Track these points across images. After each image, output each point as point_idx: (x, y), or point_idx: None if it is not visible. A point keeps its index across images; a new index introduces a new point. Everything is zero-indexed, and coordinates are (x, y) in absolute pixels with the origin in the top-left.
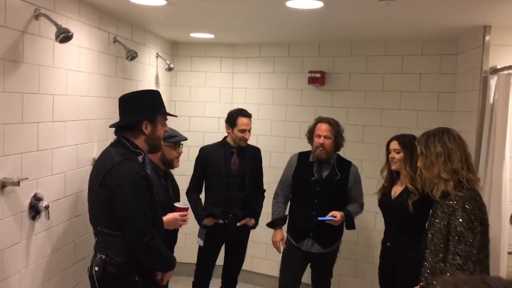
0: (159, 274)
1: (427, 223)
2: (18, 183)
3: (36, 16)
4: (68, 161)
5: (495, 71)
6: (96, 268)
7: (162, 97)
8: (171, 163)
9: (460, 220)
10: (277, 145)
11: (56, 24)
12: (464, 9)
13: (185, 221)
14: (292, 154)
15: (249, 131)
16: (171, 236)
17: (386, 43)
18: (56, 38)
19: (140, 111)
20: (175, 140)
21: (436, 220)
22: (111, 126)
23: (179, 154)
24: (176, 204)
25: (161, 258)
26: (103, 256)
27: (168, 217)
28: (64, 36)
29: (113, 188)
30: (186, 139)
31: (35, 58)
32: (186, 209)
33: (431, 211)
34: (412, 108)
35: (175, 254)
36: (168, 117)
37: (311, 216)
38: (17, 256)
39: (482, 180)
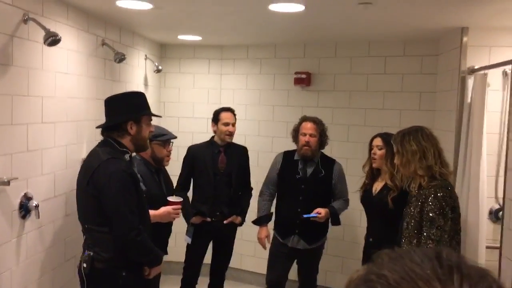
0: (146, 269)
1: (403, 213)
2: (8, 183)
3: (25, 20)
4: (57, 161)
5: (472, 71)
6: (85, 265)
7: (151, 98)
8: (161, 161)
9: (432, 206)
10: (264, 145)
11: (44, 28)
12: (443, 11)
13: (178, 214)
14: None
15: (233, 125)
16: (166, 228)
17: (369, 44)
18: (44, 42)
19: (126, 112)
20: (165, 138)
21: (411, 208)
22: (98, 127)
23: (169, 152)
24: (169, 198)
25: (148, 253)
26: (91, 253)
27: (161, 210)
28: (52, 40)
29: (101, 186)
30: (175, 137)
31: (24, 61)
32: (179, 203)
33: (407, 202)
34: (395, 108)
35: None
36: (158, 117)
37: (297, 213)
38: (7, 254)
39: (460, 176)
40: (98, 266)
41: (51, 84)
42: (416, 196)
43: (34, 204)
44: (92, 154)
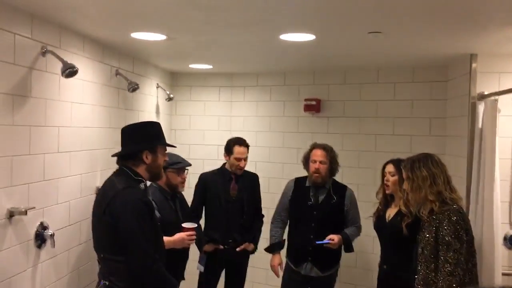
0: None
1: (418, 239)
2: (25, 212)
3: (43, 53)
4: (72, 190)
5: (482, 97)
6: None
7: (163, 126)
8: (175, 188)
9: (447, 230)
10: (275, 171)
11: (62, 60)
12: (451, 39)
13: (192, 240)
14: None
15: (245, 159)
16: (183, 254)
17: (378, 71)
18: (62, 74)
19: (141, 141)
20: (179, 166)
21: (425, 234)
22: (113, 156)
23: (184, 179)
24: (184, 224)
25: (163, 282)
26: (107, 282)
27: (176, 237)
28: (70, 71)
29: (117, 215)
30: (190, 165)
31: (42, 92)
32: (193, 229)
33: (420, 227)
34: (406, 133)
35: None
36: (172, 147)
37: (309, 239)
38: (23, 284)
39: (474, 203)
40: None
41: (67, 114)
42: (428, 221)
43: (50, 233)
44: (107, 183)
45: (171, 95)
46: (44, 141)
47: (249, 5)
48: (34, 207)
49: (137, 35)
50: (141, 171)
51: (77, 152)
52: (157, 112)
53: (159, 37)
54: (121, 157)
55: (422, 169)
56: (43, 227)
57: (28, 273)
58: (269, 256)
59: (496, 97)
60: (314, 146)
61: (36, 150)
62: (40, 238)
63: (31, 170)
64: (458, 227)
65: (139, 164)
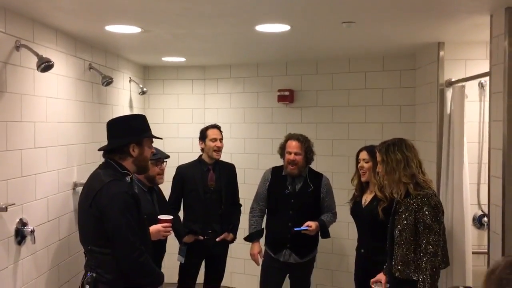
0: None
1: (390, 221)
2: (6, 209)
3: (17, 47)
4: (50, 186)
5: (450, 83)
6: (87, 286)
7: None
8: (153, 179)
9: (428, 214)
10: (250, 162)
11: (37, 55)
12: (420, 28)
13: (168, 232)
14: (265, 170)
15: (221, 140)
16: (159, 247)
17: (349, 61)
18: (37, 68)
19: (128, 134)
20: (157, 157)
21: (402, 217)
22: (100, 149)
23: (162, 170)
24: (159, 217)
25: (150, 274)
26: (94, 274)
27: (151, 229)
28: (45, 66)
29: (103, 207)
30: (168, 156)
31: (17, 87)
32: (169, 221)
33: (392, 211)
34: (377, 121)
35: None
36: (159, 139)
37: (288, 227)
38: (5, 281)
39: (444, 185)
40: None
41: (43, 109)
42: (405, 204)
43: (30, 230)
44: (94, 176)
45: (145, 89)
46: (20, 137)
47: None
48: (14, 204)
49: (112, 28)
50: (128, 164)
51: (54, 147)
52: (131, 106)
53: (134, 29)
54: (107, 150)
55: (396, 153)
56: (22, 223)
57: (9, 271)
58: (246, 245)
59: (463, 83)
60: (289, 137)
61: (13, 146)
62: (20, 235)
63: (9, 166)
64: (437, 211)
65: (126, 157)
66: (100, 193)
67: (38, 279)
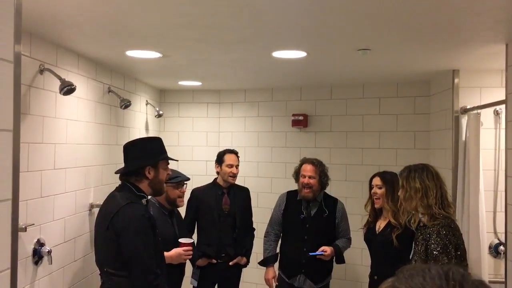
0: None
1: (411, 253)
2: (25, 229)
3: (41, 71)
4: (67, 206)
5: (465, 111)
6: None
7: None
8: (174, 202)
9: (435, 244)
10: (264, 186)
11: (60, 78)
12: (434, 55)
13: (189, 255)
14: (279, 194)
15: (237, 167)
16: (179, 270)
17: (363, 86)
18: (60, 91)
19: (143, 157)
20: (177, 180)
21: (418, 245)
22: (116, 172)
23: (182, 193)
24: (180, 240)
25: None
26: None
27: (172, 252)
28: (68, 89)
29: (120, 230)
30: (188, 179)
31: (40, 110)
32: (189, 244)
33: (415, 239)
34: (391, 147)
35: None
36: (175, 161)
37: (303, 252)
38: None
39: (459, 213)
40: None
41: (63, 131)
42: (421, 234)
43: (47, 250)
44: (110, 199)
45: (161, 112)
46: (41, 158)
47: (243, 24)
48: (33, 224)
49: (132, 53)
50: (144, 186)
51: (72, 168)
52: (147, 128)
53: (154, 54)
54: (123, 173)
55: (416, 180)
56: (40, 243)
57: None
58: (259, 270)
59: (479, 110)
60: (304, 161)
61: (34, 167)
62: (38, 255)
63: (29, 187)
64: (446, 241)
65: (142, 180)
66: (117, 216)
67: None
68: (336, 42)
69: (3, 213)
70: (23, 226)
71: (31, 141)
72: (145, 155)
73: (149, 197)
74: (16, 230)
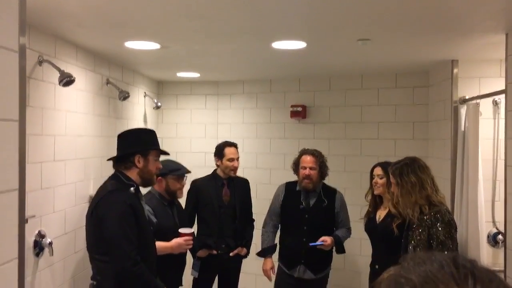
0: None
1: (404, 237)
2: (26, 221)
3: (40, 62)
4: (67, 198)
5: (464, 101)
6: None
7: None
8: (174, 194)
9: (441, 230)
10: (262, 177)
11: (59, 70)
12: (433, 46)
13: (189, 245)
14: (278, 185)
15: (237, 159)
16: (179, 260)
17: (362, 77)
18: (59, 83)
19: (134, 145)
20: (179, 173)
21: (416, 233)
22: (108, 160)
23: (182, 186)
24: (180, 230)
25: (145, 285)
26: (94, 282)
27: (173, 242)
28: (67, 81)
29: (101, 216)
30: (189, 172)
31: (39, 101)
32: (190, 234)
33: (406, 226)
34: (390, 138)
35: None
36: (166, 154)
37: (302, 243)
38: None
39: (458, 203)
40: None
41: (62, 122)
42: (419, 220)
43: (48, 242)
44: (101, 187)
45: (159, 104)
46: (41, 149)
47: (243, 14)
48: (34, 216)
49: (131, 44)
50: (133, 175)
51: (72, 160)
52: (145, 120)
53: (153, 45)
54: (115, 161)
55: (411, 175)
56: (41, 235)
57: (27, 283)
58: (258, 261)
59: (478, 100)
60: (304, 152)
61: (34, 159)
62: (39, 247)
63: (30, 178)
64: (450, 227)
65: (131, 168)
66: (100, 202)
67: None
68: (336, 32)
69: (11, 203)
70: (25, 218)
71: (31, 133)
72: (136, 143)
73: (150, 188)
74: (23, 220)
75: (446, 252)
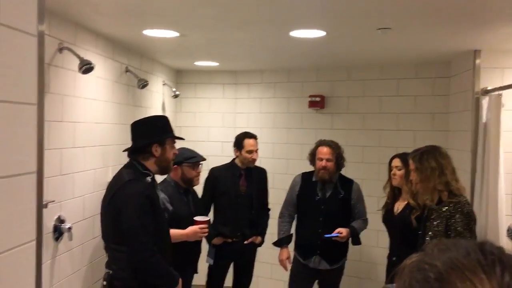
0: None
1: (421, 228)
2: (46, 206)
3: (60, 50)
4: (86, 184)
5: (486, 92)
6: (104, 283)
7: None
8: (191, 182)
9: (460, 222)
10: (279, 167)
11: (78, 57)
12: (455, 35)
13: (204, 232)
14: (295, 175)
15: (256, 151)
16: (195, 248)
17: (382, 67)
18: (79, 70)
19: (150, 134)
20: (194, 160)
21: (434, 224)
22: (124, 151)
23: (198, 173)
24: (196, 218)
25: (161, 275)
26: (110, 271)
27: (189, 230)
28: (87, 68)
29: (119, 206)
30: (204, 159)
31: (59, 88)
32: (205, 222)
33: (424, 217)
34: (409, 129)
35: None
36: (181, 139)
37: (318, 233)
38: (43, 277)
39: (478, 195)
40: (116, 285)
41: (82, 110)
42: (437, 211)
43: (67, 227)
44: (116, 175)
45: (177, 92)
46: (61, 136)
47: (261, 2)
48: (53, 200)
49: (149, 32)
50: (150, 164)
51: (91, 147)
52: (163, 109)
53: (171, 33)
54: (131, 151)
55: (431, 161)
56: (60, 220)
57: (46, 266)
58: (273, 250)
59: (500, 92)
60: (320, 143)
61: (54, 145)
62: (58, 231)
63: (50, 164)
64: (469, 219)
65: (148, 158)
66: (118, 192)
67: (73, 275)
68: (356, 21)
69: (28, 185)
70: (44, 203)
71: (51, 119)
72: (152, 132)
73: (165, 176)
74: (41, 203)
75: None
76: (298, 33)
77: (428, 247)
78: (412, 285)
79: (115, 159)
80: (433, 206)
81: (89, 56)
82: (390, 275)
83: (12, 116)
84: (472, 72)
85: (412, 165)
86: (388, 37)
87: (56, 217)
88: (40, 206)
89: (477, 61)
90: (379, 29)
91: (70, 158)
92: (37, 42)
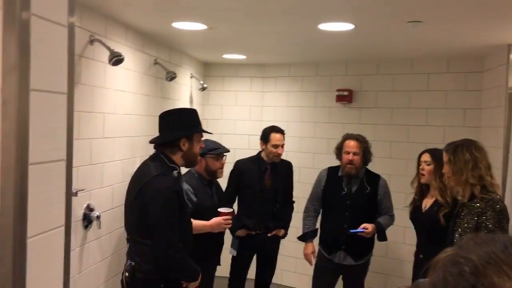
0: (184, 283)
1: (451, 225)
2: (76, 194)
3: (91, 41)
4: (115, 174)
5: None
6: (126, 274)
7: None
8: (215, 173)
9: (491, 219)
10: (306, 161)
11: (109, 49)
12: (488, 29)
13: (228, 224)
14: (321, 169)
15: (282, 146)
16: (218, 239)
17: (412, 61)
18: (109, 61)
19: (179, 128)
20: (218, 152)
21: (464, 221)
22: (151, 142)
23: (222, 165)
24: (220, 209)
25: (185, 270)
26: (133, 263)
27: (213, 221)
28: (117, 59)
29: (147, 201)
30: (228, 151)
31: (89, 79)
32: (229, 213)
33: (455, 214)
34: (439, 125)
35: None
36: (209, 133)
37: (343, 229)
38: (71, 263)
39: (509, 192)
40: (139, 276)
41: (111, 101)
42: (468, 208)
43: (96, 215)
44: (142, 167)
45: (205, 85)
46: (91, 126)
47: None
48: (83, 189)
49: (178, 25)
50: (177, 158)
51: (120, 138)
52: (191, 101)
53: (199, 26)
54: (158, 144)
55: (465, 153)
56: (89, 209)
57: (76, 253)
58: (298, 244)
59: None
60: (347, 137)
61: (84, 135)
62: (87, 219)
63: (80, 154)
64: (501, 217)
65: (176, 152)
66: (146, 187)
67: (101, 263)
68: (386, 14)
69: (58, 172)
70: (74, 191)
71: (81, 110)
72: (181, 126)
73: (190, 168)
74: (70, 190)
75: None
76: (326, 26)
77: (463, 241)
78: (446, 278)
79: (142, 150)
80: (464, 202)
81: (119, 48)
82: (423, 269)
83: (44, 104)
84: (506, 67)
85: (445, 157)
86: (418, 30)
87: (85, 205)
88: (69, 193)
89: (511, 56)
90: (410, 22)
91: (99, 148)
92: (68, 33)
